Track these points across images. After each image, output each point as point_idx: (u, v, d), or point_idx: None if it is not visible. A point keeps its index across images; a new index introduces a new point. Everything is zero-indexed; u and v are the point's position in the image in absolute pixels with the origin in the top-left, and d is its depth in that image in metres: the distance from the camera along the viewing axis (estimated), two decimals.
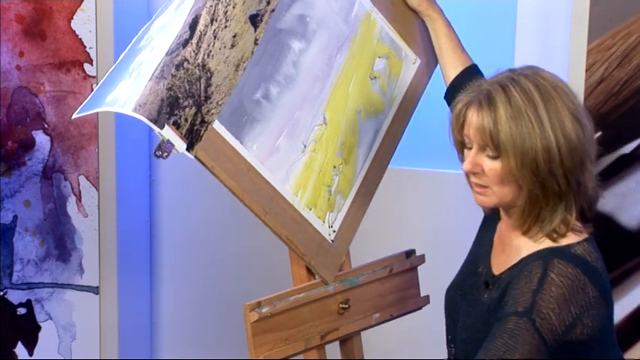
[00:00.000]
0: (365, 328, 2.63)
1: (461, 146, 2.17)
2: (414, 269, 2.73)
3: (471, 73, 2.54)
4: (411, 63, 2.68)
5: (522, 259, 2.11)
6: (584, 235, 2.12)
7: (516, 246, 2.15)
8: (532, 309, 2.00)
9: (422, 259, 2.75)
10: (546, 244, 2.10)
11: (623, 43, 2.88)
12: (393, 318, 2.69)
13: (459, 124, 2.15)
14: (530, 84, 2.08)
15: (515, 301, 2.03)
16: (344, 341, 2.64)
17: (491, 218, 2.29)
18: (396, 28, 2.65)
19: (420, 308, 2.77)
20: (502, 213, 2.22)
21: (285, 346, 2.44)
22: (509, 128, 2.05)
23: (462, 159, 2.18)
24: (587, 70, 2.91)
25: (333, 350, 2.66)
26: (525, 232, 2.12)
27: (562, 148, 2.05)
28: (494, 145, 2.07)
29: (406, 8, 2.66)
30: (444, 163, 3.31)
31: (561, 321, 2.00)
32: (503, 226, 2.23)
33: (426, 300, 2.77)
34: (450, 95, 2.54)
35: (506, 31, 3.13)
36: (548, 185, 2.06)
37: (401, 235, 3.34)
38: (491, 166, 2.09)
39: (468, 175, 2.16)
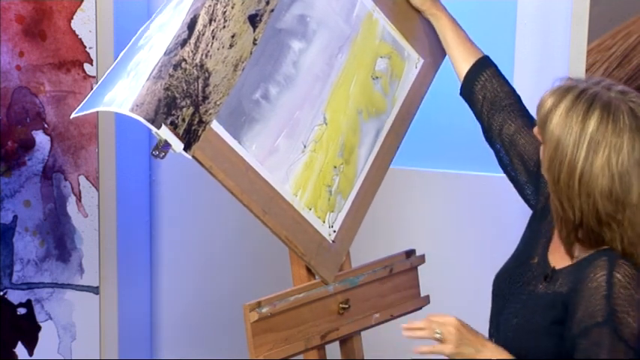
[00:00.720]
0: (365, 328, 2.63)
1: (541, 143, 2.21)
2: (414, 269, 2.73)
3: (484, 64, 2.54)
4: (413, 63, 2.68)
5: (584, 258, 2.13)
6: None
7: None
8: (610, 316, 2.03)
9: (422, 259, 2.75)
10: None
11: (623, 43, 2.88)
12: (393, 318, 2.69)
13: (542, 121, 2.17)
14: (604, 107, 2.06)
15: (593, 312, 2.05)
16: (344, 341, 2.63)
17: (547, 208, 2.28)
18: (399, 28, 2.65)
19: (420, 308, 2.77)
20: None
21: (285, 346, 2.44)
22: (558, 119, 2.08)
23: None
24: (587, 70, 2.91)
25: (333, 350, 2.66)
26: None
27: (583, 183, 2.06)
28: (540, 126, 2.12)
29: (409, 7, 2.65)
30: (445, 163, 3.31)
31: (637, 321, 2.03)
32: None
33: (426, 300, 2.77)
34: (466, 89, 2.54)
35: (506, 31, 3.12)
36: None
37: (401, 235, 3.33)
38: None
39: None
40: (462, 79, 2.56)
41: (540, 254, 2.25)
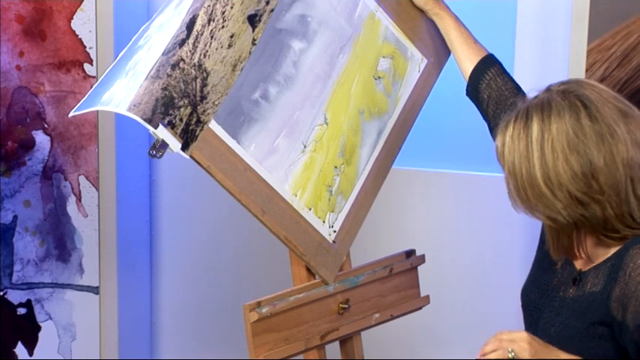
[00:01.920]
0: (365, 328, 2.63)
1: None
2: (414, 269, 2.73)
3: (488, 62, 2.54)
4: (417, 63, 2.67)
5: (614, 254, 2.13)
6: None
7: (600, 239, 2.16)
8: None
9: (422, 259, 2.75)
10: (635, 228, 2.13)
11: (623, 43, 2.88)
12: (393, 318, 2.69)
13: None
14: (540, 104, 2.10)
15: None
16: (344, 341, 2.63)
17: None
18: (402, 28, 2.64)
19: (420, 308, 2.77)
20: None
21: (285, 346, 2.44)
22: (507, 148, 2.11)
23: None
24: (587, 70, 2.91)
25: (333, 350, 2.66)
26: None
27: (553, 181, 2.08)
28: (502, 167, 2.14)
29: (412, 7, 2.65)
30: (444, 163, 3.31)
31: None
32: None
33: (426, 300, 2.77)
34: (472, 88, 2.55)
35: (506, 31, 3.12)
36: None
37: (401, 235, 3.33)
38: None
39: None
40: (466, 78, 2.57)
41: (563, 259, 2.25)
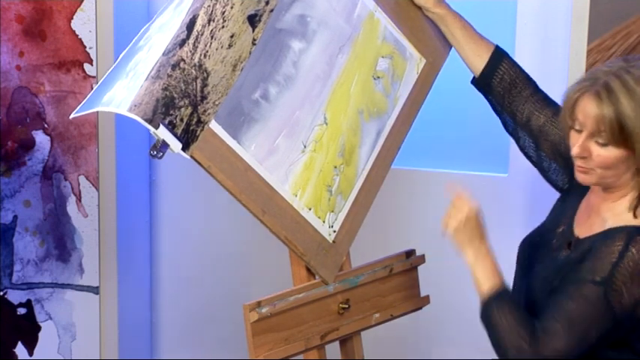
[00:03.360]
0: (365, 328, 2.63)
1: (568, 129, 2.25)
2: (414, 269, 2.73)
3: (498, 56, 2.56)
4: (415, 63, 2.67)
5: (609, 230, 2.21)
6: None
7: (603, 217, 2.25)
8: (608, 280, 2.12)
9: (422, 259, 2.75)
10: (632, 222, 2.20)
11: (623, 43, 2.88)
12: (393, 318, 2.69)
13: (571, 110, 2.22)
14: None
15: (594, 269, 2.15)
16: (344, 341, 2.63)
17: (576, 188, 2.37)
18: (401, 28, 2.64)
19: (420, 308, 2.77)
20: (594, 187, 2.31)
21: (285, 346, 2.44)
22: (635, 118, 2.14)
23: (568, 141, 2.27)
24: (587, 70, 2.90)
25: (333, 350, 2.66)
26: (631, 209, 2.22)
27: None
28: (614, 134, 2.16)
29: (412, 7, 2.65)
30: (444, 163, 3.31)
31: (631, 296, 2.12)
32: (593, 197, 2.31)
33: (426, 300, 2.77)
34: (484, 84, 2.57)
35: (506, 31, 3.12)
36: None
37: (401, 235, 3.33)
38: (601, 152, 2.19)
39: (575, 157, 2.25)
40: (477, 73, 2.58)
41: (567, 224, 2.33)
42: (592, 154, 2.20)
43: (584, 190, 2.35)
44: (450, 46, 2.67)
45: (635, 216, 2.21)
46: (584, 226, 2.29)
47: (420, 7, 2.65)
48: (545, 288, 2.27)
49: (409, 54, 2.66)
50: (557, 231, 2.35)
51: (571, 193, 2.42)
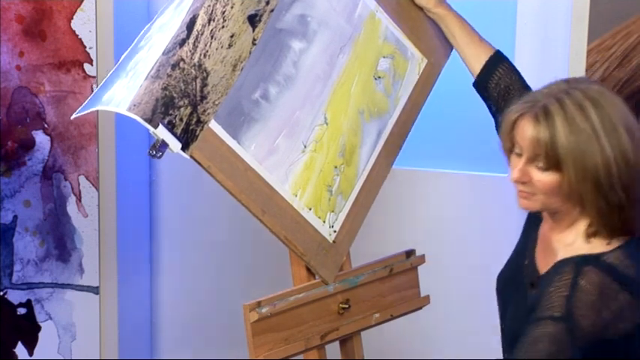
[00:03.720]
0: (365, 328, 2.63)
1: (509, 152, 2.19)
2: (414, 269, 2.73)
3: (496, 61, 2.54)
4: (417, 63, 2.67)
5: (559, 262, 2.14)
6: (620, 243, 2.13)
7: (554, 248, 2.18)
8: (567, 314, 2.04)
9: (422, 259, 2.75)
10: (581, 250, 2.13)
11: (623, 43, 2.88)
12: (393, 318, 2.69)
13: (509, 132, 2.16)
14: (585, 97, 2.09)
15: (551, 305, 2.07)
16: (344, 341, 2.63)
17: (535, 215, 2.31)
18: (402, 28, 2.64)
19: (420, 308, 2.77)
20: (545, 215, 2.24)
21: (285, 346, 2.44)
22: (568, 143, 2.07)
23: (509, 164, 2.21)
24: (587, 70, 2.91)
25: (333, 350, 2.66)
26: (588, 236, 2.15)
27: (620, 163, 2.07)
28: (549, 159, 2.09)
29: (413, 7, 2.64)
30: (444, 163, 3.31)
31: (594, 326, 2.04)
32: (545, 227, 2.25)
33: (426, 300, 2.77)
34: (481, 87, 2.55)
35: (506, 31, 3.12)
36: (608, 198, 2.09)
37: (401, 235, 3.33)
38: (541, 177, 2.11)
39: (514, 182, 2.18)
40: (474, 75, 2.57)
41: (530, 257, 2.27)
42: (532, 178, 2.12)
43: (539, 216, 2.29)
44: (452, 47, 2.67)
45: (588, 242, 2.13)
46: (544, 261, 2.22)
47: (421, 8, 2.65)
48: (520, 328, 2.18)
49: (410, 54, 2.66)
50: (525, 264, 2.28)
51: (530, 218, 2.35)
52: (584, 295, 2.05)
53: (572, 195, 2.11)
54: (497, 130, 2.55)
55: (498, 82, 2.52)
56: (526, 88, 2.52)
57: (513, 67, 2.55)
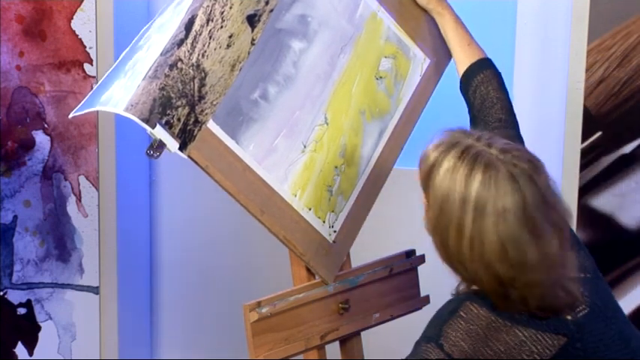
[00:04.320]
0: (365, 328, 2.63)
1: None
2: (414, 269, 2.73)
3: (478, 68, 2.51)
4: (419, 63, 2.67)
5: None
6: None
7: None
8: (440, 335, 2.00)
9: (422, 259, 2.75)
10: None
11: (623, 43, 2.88)
12: (393, 318, 2.69)
13: None
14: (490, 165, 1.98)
15: (427, 329, 2.05)
16: (344, 341, 2.63)
17: None
18: (404, 28, 2.64)
19: (420, 308, 2.77)
20: None
21: (285, 346, 2.44)
22: (442, 178, 2.01)
23: None
24: (587, 70, 2.91)
25: (333, 350, 2.66)
26: None
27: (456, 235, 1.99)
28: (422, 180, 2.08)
29: (415, 7, 2.64)
30: None
31: (475, 351, 1.98)
32: None
33: (426, 300, 2.77)
34: (463, 91, 2.53)
35: (506, 31, 3.12)
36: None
37: (401, 235, 3.33)
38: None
39: None
40: (459, 80, 2.57)
41: None
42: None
43: None
44: None
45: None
46: None
47: (423, 7, 2.65)
48: None
49: (413, 54, 2.66)
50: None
51: None
52: (462, 322, 2.00)
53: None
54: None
55: (475, 90, 2.49)
56: (500, 100, 2.46)
57: (495, 76, 2.50)
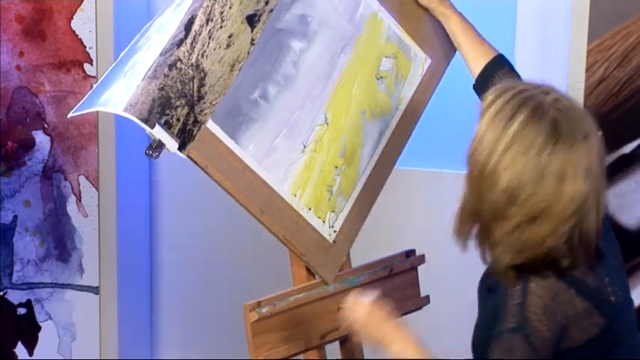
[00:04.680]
0: None
1: None
2: (414, 269, 2.73)
3: (496, 64, 2.51)
4: (420, 63, 2.67)
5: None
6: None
7: None
8: (523, 324, 2.00)
9: (422, 259, 2.75)
10: None
11: (623, 43, 2.88)
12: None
13: None
14: (535, 109, 2.00)
15: (505, 317, 2.03)
16: (344, 341, 2.63)
17: None
18: (405, 28, 2.63)
19: (420, 308, 2.77)
20: None
21: (285, 346, 2.44)
22: (488, 117, 2.03)
23: None
24: (587, 70, 2.91)
25: (333, 350, 2.66)
26: None
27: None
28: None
29: (416, 7, 2.63)
30: (444, 163, 3.31)
31: (550, 331, 1.99)
32: None
33: (426, 300, 2.77)
34: (480, 90, 2.51)
35: (506, 31, 3.12)
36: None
37: (401, 235, 3.33)
38: None
39: None
40: (474, 77, 2.55)
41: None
42: None
43: None
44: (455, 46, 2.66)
45: None
46: None
47: (425, 7, 2.64)
48: (477, 342, 2.19)
49: (414, 54, 2.66)
50: (489, 271, 2.25)
51: None
52: (537, 298, 2.01)
53: None
54: None
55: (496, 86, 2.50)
56: None
57: (513, 71, 2.53)
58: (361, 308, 2.25)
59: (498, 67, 2.51)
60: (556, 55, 3.05)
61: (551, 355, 2.01)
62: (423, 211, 3.34)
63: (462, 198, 2.10)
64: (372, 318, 2.23)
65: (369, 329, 2.23)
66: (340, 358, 2.67)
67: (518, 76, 2.53)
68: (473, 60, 2.55)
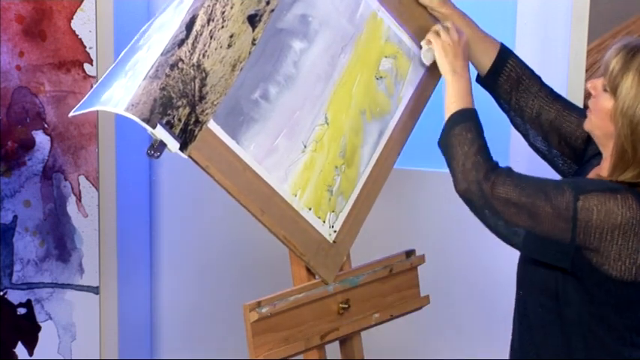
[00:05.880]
0: (365, 328, 2.63)
1: None
2: (414, 269, 2.73)
3: (506, 53, 2.57)
4: (420, 63, 2.67)
5: None
6: None
7: None
8: (583, 193, 2.17)
9: (422, 259, 2.75)
10: None
11: None
12: (393, 318, 2.69)
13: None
14: None
15: (574, 180, 2.26)
16: (344, 341, 2.63)
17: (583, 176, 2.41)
18: (405, 27, 2.63)
19: (420, 308, 2.77)
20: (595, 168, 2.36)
21: (285, 346, 2.44)
22: (632, 81, 2.19)
23: None
24: (587, 70, 2.91)
25: (333, 350, 2.66)
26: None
27: None
28: (610, 82, 2.22)
29: (416, 6, 2.63)
30: (444, 162, 3.31)
31: (600, 227, 2.16)
32: (591, 176, 2.35)
33: (426, 300, 2.77)
34: (491, 82, 2.57)
35: (506, 31, 3.12)
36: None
37: (401, 235, 3.33)
38: (599, 96, 2.26)
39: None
40: (484, 72, 2.58)
41: None
42: (596, 96, 2.26)
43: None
44: None
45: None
46: None
47: (424, 7, 2.64)
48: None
49: (413, 54, 2.66)
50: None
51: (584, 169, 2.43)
52: (612, 201, 2.16)
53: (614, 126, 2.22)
54: (513, 125, 2.58)
55: (510, 75, 2.54)
56: (536, 76, 2.55)
57: (519, 58, 2.58)
58: (454, 35, 2.46)
59: (508, 55, 2.57)
60: (556, 55, 3.05)
61: (579, 256, 2.18)
62: (423, 211, 3.34)
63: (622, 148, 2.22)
64: (459, 50, 2.45)
65: (453, 56, 2.44)
66: (340, 358, 2.67)
67: (524, 64, 2.57)
68: (481, 53, 2.57)
